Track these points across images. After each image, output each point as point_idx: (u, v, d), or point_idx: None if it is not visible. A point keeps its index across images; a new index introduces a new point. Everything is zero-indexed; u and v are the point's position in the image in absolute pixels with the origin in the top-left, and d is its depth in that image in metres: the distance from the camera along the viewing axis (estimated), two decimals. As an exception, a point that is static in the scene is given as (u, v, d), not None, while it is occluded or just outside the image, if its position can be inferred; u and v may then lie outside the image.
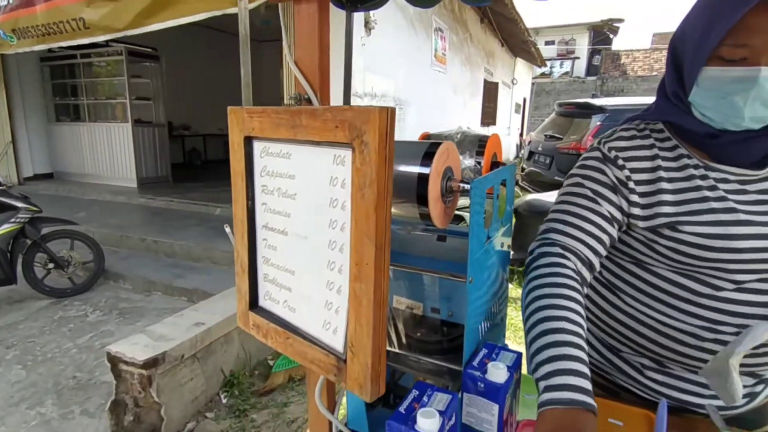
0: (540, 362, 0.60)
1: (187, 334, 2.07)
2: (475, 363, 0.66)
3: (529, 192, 5.84)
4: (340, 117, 0.47)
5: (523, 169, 6.59)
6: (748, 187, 0.74)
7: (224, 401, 2.23)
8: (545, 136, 6.10)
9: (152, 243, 4.19)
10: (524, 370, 0.80)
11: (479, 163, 0.81)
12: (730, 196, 0.73)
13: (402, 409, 0.57)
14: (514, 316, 3.32)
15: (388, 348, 0.80)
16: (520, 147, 14.55)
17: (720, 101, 0.70)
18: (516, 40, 11.34)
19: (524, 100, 17.07)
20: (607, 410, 0.79)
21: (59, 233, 3.50)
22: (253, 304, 0.64)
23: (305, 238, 0.56)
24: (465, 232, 0.76)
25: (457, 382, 0.67)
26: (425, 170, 0.59)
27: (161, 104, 6.70)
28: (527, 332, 0.66)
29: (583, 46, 23.83)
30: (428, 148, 0.61)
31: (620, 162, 0.79)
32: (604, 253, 0.78)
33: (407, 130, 5.84)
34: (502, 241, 0.81)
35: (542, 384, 0.59)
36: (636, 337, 0.84)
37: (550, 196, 3.93)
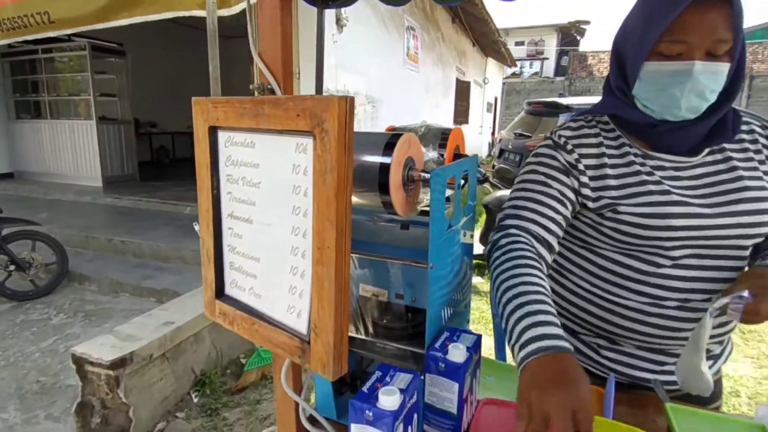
0: (518, 333, 0.63)
1: (155, 334, 2.04)
2: (437, 345, 0.69)
3: (500, 188, 5.96)
4: (301, 106, 0.49)
5: (494, 167, 6.72)
6: (681, 173, 0.81)
7: (195, 400, 2.21)
8: (515, 134, 6.24)
9: (119, 243, 4.08)
10: (484, 352, 0.83)
11: (442, 155, 0.84)
12: (665, 181, 0.80)
13: (365, 388, 0.59)
14: (485, 309, 3.40)
15: (356, 335, 0.82)
16: (492, 145, 14.80)
17: (660, 93, 0.76)
18: (487, 40, 11.53)
19: (495, 100, 17.35)
20: (563, 388, 0.83)
21: (20, 234, 3.38)
22: (220, 292, 0.65)
23: (269, 226, 0.57)
24: (427, 222, 0.78)
25: (421, 364, 0.70)
26: (386, 160, 0.62)
27: (127, 101, 6.51)
28: (502, 312, 0.70)
29: (551, 47, 24.41)
30: (389, 138, 0.63)
31: (569, 147, 0.85)
32: (560, 233, 0.83)
33: (379, 129, 5.86)
34: (465, 231, 0.84)
35: (519, 347, 0.62)
36: (590, 318, 0.90)
37: (520, 193, 4.02)
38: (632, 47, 0.78)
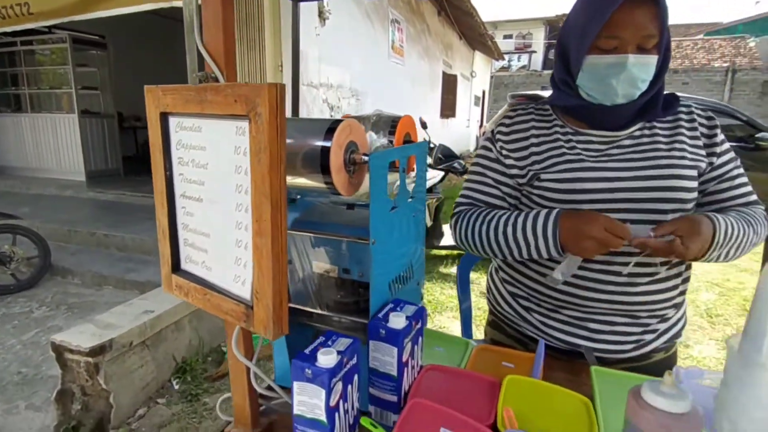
0: (530, 228, 0.90)
1: (135, 322, 2.08)
2: (380, 315, 0.75)
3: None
4: (238, 92, 0.54)
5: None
6: (608, 146, 0.93)
7: (176, 387, 2.26)
8: (498, 126, 6.30)
9: (103, 237, 4.08)
10: (430, 324, 0.90)
11: (392, 141, 0.90)
12: (585, 153, 0.93)
13: (307, 351, 0.65)
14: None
15: (312, 310, 0.88)
16: (479, 139, 14.90)
17: (600, 83, 0.87)
18: (473, 33, 11.58)
19: (483, 93, 17.43)
20: (501, 356, 0.90)
21: (0, 227, 3.37)
22: (176, 267, 0.71)
23: (217, 203, 0.62)
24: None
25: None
26: (327, 144, 0.67)
27: (110, 94, 6.45)
28: (493, 248, 0.95)
29: (539, 40, 24.52)
30: (331, 124, 0.69)
31: (497, 138, 1.03)
32: (506, 204, 1.03)
33: (365, 121, 5.89)
34: (412, 211, 0.90)
35: (542, 230, 0.88)
36: (532, 284, 0.98)
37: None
38: (575, 43, 0.88)
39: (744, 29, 21.65)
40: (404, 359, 0.73)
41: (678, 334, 1.01)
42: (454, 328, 2.95)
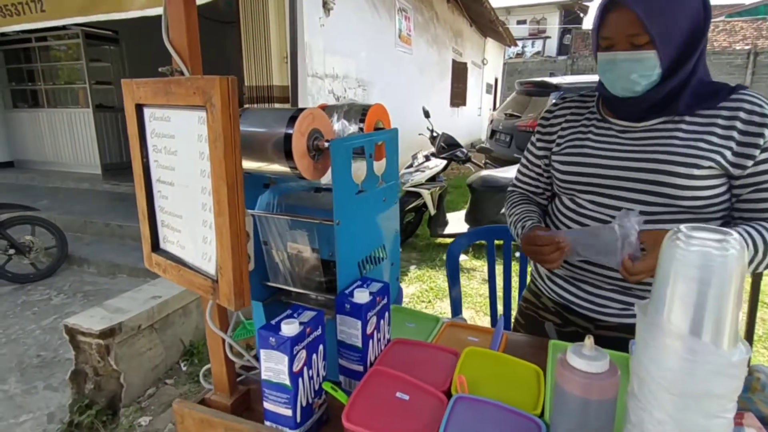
0: (518, 229, 1.09)
1: (143, 307, 2.18)
2: (347, 291, 0.81)
3: (483, 168, 6.03)
4: (195, 85, 0.59)
5: (488, 150, 6.75)
6: (623, 135, 0.96)
7: (184, 369, 2.36)
8: (505, 114, 6.28)
9: (117, 228, 4.23)
10: (431, 309, 0.95)
11: (362, 129, 0.95)
12: (595, 139, 0.99)
13: (273, 322, 0.71)
14: (473, 286, 3.52)
15: (291, 288, 0.93)
16: (491, 127, 14.77)
17: (605, 76, 0.94)
18: (484, 20, 11.43)
19: (496, 81, 17.23)
20: (468, 332, 0.95)
21: (19, 219, 3.52)
22: (155, 246, 0.77)
23: (186, 187, 0.68)
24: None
25: (337, 309, 0.81)
26: (290, 131, 0.72)
27: (123, 89, 6.58)
28: (515, 232, 1.12)
29: (554, 25, 24.06)
30: (293, 113, 0.74)
31: (537, 127, 1.15)
32: (540, 183, 1.17)
33: (371, 111, 5.90)
34: (383, 195, 0.95)
35: (522, 234, 1.05)
36: None
37: (503, 172, 4.11)
38: (593, 43, 0.96)
39: (766, 10, 20.92)
40: (368, 332, 0.79)
41: None
42: (410, 293, 3.00)
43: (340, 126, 0.98)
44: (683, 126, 0.89)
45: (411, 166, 4.23)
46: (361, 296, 0.77)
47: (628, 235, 0.81)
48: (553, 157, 1.05)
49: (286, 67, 4.34)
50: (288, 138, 0.72)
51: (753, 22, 18.40)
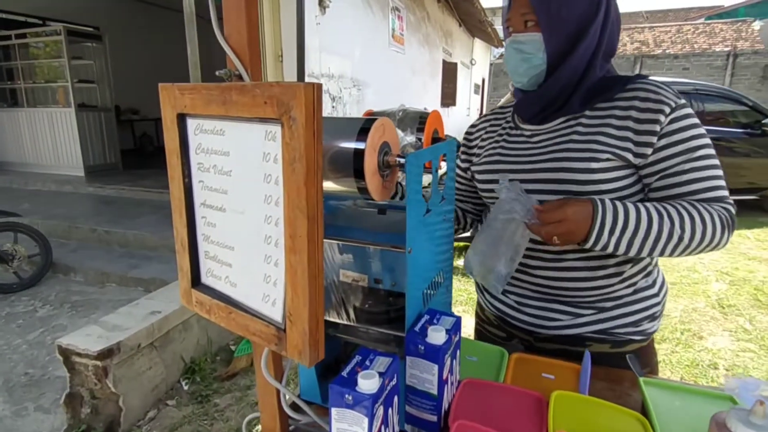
0: None
1: (142, 323, 2.03)
2: (416, 328, 0.70)
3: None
4: (268, 93, 0.48)
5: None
6: (531, 139, 0.95)
7: (186, 388, 2.22)
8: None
9: (104, 233, 4.03)
10: (464, 333, 0.85)
11: (420, 139, 0.84)
12: (506, 147, 0.99)
13: (345, 373, 0.59)
14: (471, 290, 3.44)
15: (338, 320, 0.82)
16: (479, 127, 14.74)
17: (507, 63, 0.94)
18: (473, 20, 11.39)
19: (483, 81, 17.25)
20: (540, 366, 0.85)
21: (0, 226, 3.31)
22: (196, 281, 0.65)
23: (242, 214, 0.57)
24: (404, 206, 0.78)
25: (402, 347, 0.71)
26: (361, 145, 0.61)
27: (107, 87, 6.34)
28: None
29: (539, 26, 24.15)
30: (363, 124, 0.63)
31: (469, 133, 1.15)
32: (471, 200, 1.15)
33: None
34: (443, 214, 0.84)
35: None
36: None
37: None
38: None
39: (746, 12, 21.39)
40: (444, 376, 0.68)
41: (655, 319, 0.96)
42: (466, 322, 2.91)
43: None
44: (583, 121, 0.89)
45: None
46: (437, 336, 0.67)
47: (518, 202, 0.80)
48: (473, 168, 1.05)
49: (281, 65, 4.20)
50: (359, 154, 0.61)
51: (733, 24, 18.78)
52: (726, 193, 0.83)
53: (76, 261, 3.70)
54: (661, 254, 0.81)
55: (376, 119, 0.63)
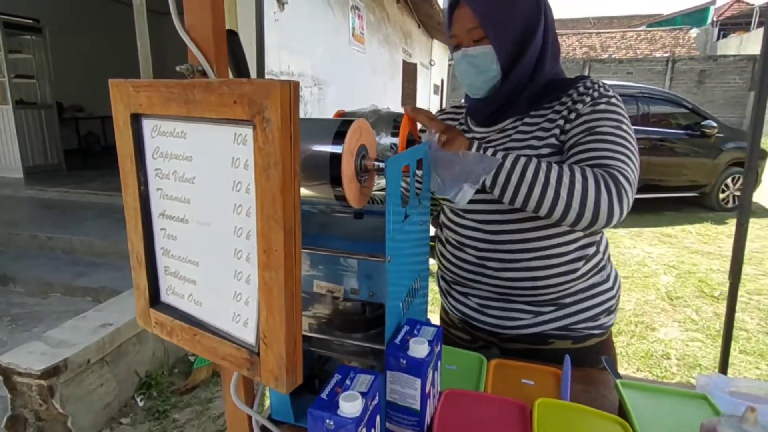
0: None
1: (91, 338, 1.88)
2: (397, 341, 0.67)
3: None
4: (238, 91, 0.43)
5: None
6: (483, 142, 0.93)
7: (141, 404, 2.08)
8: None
9: (46, 240, 3.74)
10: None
11: (395, 143, 0.80)
12: None
13: (324, 395, 0.55)
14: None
15: (311, 334, 0.77)
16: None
17: (459, 76, 0.94)
18: (432, 21, 11.50)
19: (442, 82, 17.47)
20: (519, 372, 0.84)
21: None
22: (155, 300, 0.59)
23: (208, 226, 0.51)
24: (382, 211, 0.75)
25: (381, 361, 0.67)
26: (338, 149, 0.57)
27: (47, 83, 5.91)
28: None
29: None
30: (340, 126, 0.59)
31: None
32: None
33: (327, 112, 5.73)
34: (421, 219, 0.81)
35: None
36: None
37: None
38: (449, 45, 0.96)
39: (683, 21, 22.84)
40: (427, 390, 0.65)
41: (580, 326, 0.96)
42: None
43: (366, 138, 0.83)
44: (527, 120, 0.92)
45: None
46: (419, 348, 0.64)
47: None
48: None
49: None
50: (335, 159, 0.57)
51: (671, 32, 19.98)
52: (616, 164, 0.78)
53: (16, 270, 3.42)
54: (535, 201, 0.77)
55: (353, 121, 0.59)
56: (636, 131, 0.85)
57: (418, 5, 10.04)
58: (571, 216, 0.75)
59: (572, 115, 0.86)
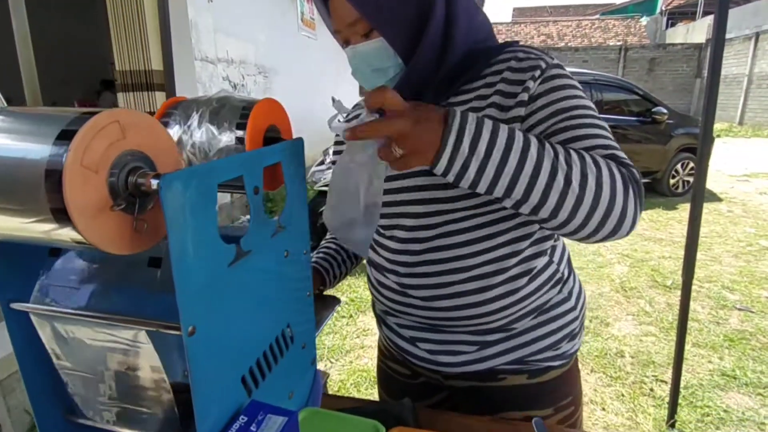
0: None
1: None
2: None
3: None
4: None
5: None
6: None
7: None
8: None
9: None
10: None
11: (242, 140, 0.57)
12: None
13: None
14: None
15: (90, 424, 0.53)
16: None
17: (356, 74, 0.78)
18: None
19: (401, 70, 17.27)
20: None
21: None
22: None
23: None
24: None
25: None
26: (57, 159, 0.33)
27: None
28: None
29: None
30: (71, 120, 0.34)
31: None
32: None
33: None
34: (286, 248, 0.58)
35: None
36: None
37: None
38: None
39: (634, 9, 23.51)
40: None
41: (536, 357, 0.79)
42: (366, 353, 2.69)
43: (203, 136, 0.59)
44: (452, 101, 0.77)
45: (323, 162, 3.81)
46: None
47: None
48: None
49: (147, 52, 3.67)
50: (54, 176, 0.33)
51: (624, 20, 20.50)
52: (621, 154, 0.65)
53: None
54: (545, 203, 0.56)
55: (96, 113, 0.35)
56: None
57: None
58: (583, 211, 0.57)
59: (524, 95, 0.68)
